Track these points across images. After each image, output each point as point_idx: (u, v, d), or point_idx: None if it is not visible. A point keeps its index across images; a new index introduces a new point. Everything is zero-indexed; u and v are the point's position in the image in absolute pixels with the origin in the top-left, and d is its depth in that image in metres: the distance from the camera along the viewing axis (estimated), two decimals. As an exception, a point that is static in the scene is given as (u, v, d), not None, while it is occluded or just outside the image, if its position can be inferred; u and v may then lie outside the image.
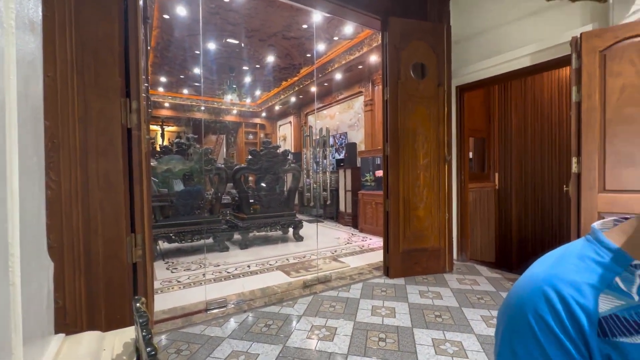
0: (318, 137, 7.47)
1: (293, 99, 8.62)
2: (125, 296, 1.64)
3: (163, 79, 8.03)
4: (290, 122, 9.65)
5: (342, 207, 6.22)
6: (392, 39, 3.03)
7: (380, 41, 3.24)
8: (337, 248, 4.36)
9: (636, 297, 0.39)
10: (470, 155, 4.48)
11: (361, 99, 6.56)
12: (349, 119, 7.04)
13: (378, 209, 4.96)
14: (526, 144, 4.18)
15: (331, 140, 7.39)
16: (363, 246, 4.46)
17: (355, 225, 5.74)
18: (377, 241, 4.60)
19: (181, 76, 7.73)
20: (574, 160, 2.25)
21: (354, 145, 6.30)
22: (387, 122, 3.07)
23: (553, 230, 3.97)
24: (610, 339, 0.38)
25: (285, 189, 5.01)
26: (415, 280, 3.02)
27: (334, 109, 7.56)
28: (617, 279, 0.41)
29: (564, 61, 2.60)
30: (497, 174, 4.34)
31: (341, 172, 6.19)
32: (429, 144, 3.16)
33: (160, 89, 8.78)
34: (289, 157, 5.07)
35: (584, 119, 2.20)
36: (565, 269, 0.43)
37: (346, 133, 7.07)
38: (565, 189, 2.42)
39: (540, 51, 2.79)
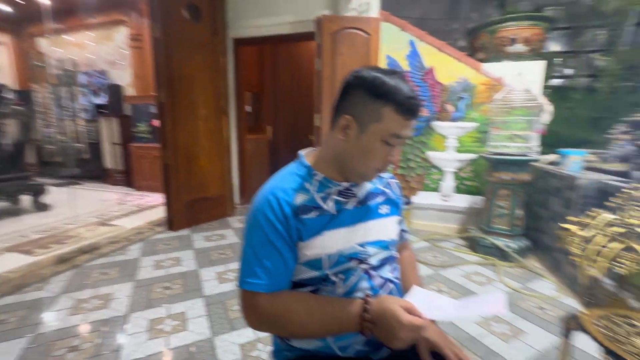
0: (61, 71, 5.54)
1: (4, 7, 5.72)
2: None
3: None
4: (2, 44, 6.45)
5: (109, 164, 5.17)
6: (158, -36, 2.61)
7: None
8: (106, 212, 3.70)
9: (314, 194, 0.66)
10: (250, 109, 4.86)
11: (124, 30, 5.33)
12: (108, 53, 5.60)
13: (157, 163, 4.50)
14: (292, 101, 5.00)
15: (84, 79, 5.70)
16: (141, 205, 4.03)
17: (129, 183, 4.99)
18: (159, 197, 4.26)
19: None
20: (316, 116, 2.99)
21: (118, 87, 5.18)
22: (159, 65, 2.75)
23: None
24: (299, 217, 0.63)
25: (6, 142, 3.50)
26: (201, 228, 3.13)
27: (82, 36, 5.74)
28: (307, 184, 0.67)
29: (313, 35, 3.23)
30: (270, 127, 5.00)
31: (104, 120, 5.02)
32: (207, 95, 3.14)
33: None
34: (9, 96, 3.52)
35: (323, 85, 2.91)
36: (281, 181, 0.67)
37: (106, 71, 5.65)
38: (310, 137, 3.20)
39: (299, 22, 3.31)
